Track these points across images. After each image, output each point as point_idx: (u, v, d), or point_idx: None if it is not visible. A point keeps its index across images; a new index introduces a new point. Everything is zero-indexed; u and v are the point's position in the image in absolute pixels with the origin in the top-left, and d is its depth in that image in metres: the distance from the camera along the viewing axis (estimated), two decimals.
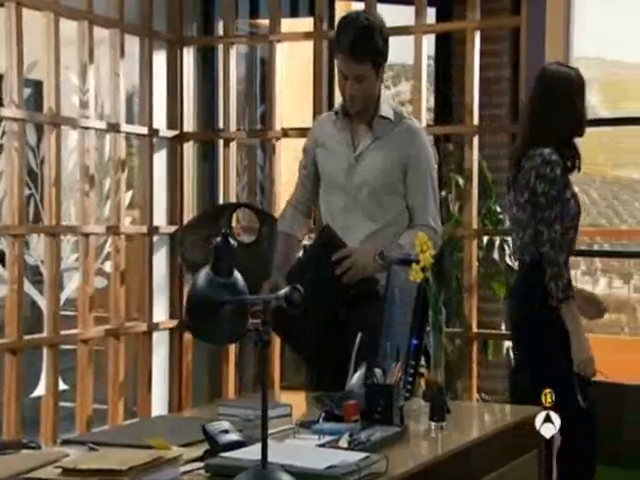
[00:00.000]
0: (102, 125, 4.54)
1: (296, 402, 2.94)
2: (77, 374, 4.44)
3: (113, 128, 4.57)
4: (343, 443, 2.35)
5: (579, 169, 3.51)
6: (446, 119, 5.60)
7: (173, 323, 4.96)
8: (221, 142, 5.05)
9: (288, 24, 6.78)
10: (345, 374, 2.85)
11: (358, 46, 3.19)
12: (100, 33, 4.54)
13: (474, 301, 4.45)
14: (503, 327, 5.51)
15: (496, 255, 5.43)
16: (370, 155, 3.36)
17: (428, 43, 4.67)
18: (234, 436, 2.28)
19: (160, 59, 4.91)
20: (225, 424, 2.30)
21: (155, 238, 4.85)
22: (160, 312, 4.92)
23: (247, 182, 6.16)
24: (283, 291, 2.08)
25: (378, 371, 2.63)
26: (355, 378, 2.99)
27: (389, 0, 4.94)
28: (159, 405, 4.93)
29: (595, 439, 3.38)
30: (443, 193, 5.37)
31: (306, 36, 4.94)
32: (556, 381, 2.87)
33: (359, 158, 3.36)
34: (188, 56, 5.02)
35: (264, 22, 6.49)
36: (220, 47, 5.50)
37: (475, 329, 4.48)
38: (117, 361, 4.62)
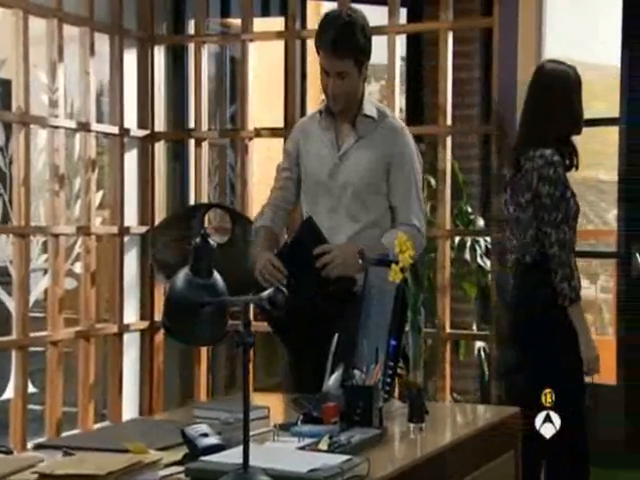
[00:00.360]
0: (72, 124, 4.48)
1: (271, 404, 2.90)
2: (46, 376, 4.38)
3: (83, 127, 4.51)
4: (323, 445, 2.33)
5: (577, 167, 3.51)
6: (417, 120, 5.59)
7: (144, 324, 4.91)
8: (192, 142, 5.03)
9: (259, 23, 6.76)
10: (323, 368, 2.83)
11: (339, 42, 3.18)
12: (69, 31, 4.48)
13: (447, 301, 4.45)
14: (475, 327, 5.52)
15: (467, 255, 5.43)
16: (354, 155, 3.33)
17: (399, 44, 4.66)
18: (213, 439, 2.25)
19: (130, 58, 4.86)
20: (204, 427, 2.27)
21: (126, 239, 4.80)
22: (131, 313, 4.87)
23: (218, 182, 6.12)
24: (266, 292, 2.06)
25: (357, 372, 2.61)
26: (332, 379, 2.98)
27: (362, 0, 4.91)
28: (130, 408, 4.88)
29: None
30: None
31: (278, 35, 4.91)
32: (561, 381, 2.88)
33: (343, 158, 3.33)
34: (159, 55, 4.97)
35: (234, 21, 6.46)
36: (190, 46, 5.48)
37: (448, 329, 4.47)
38: (87, 363, 4.56)
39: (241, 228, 4.31)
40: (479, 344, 5.41)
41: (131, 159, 4.86)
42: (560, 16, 4.75)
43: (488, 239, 5.31)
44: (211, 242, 2.22)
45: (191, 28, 5.59)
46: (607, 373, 4.76)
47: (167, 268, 4.34)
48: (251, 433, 2.37)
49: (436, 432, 2.59)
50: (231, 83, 7.19)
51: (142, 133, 4.89)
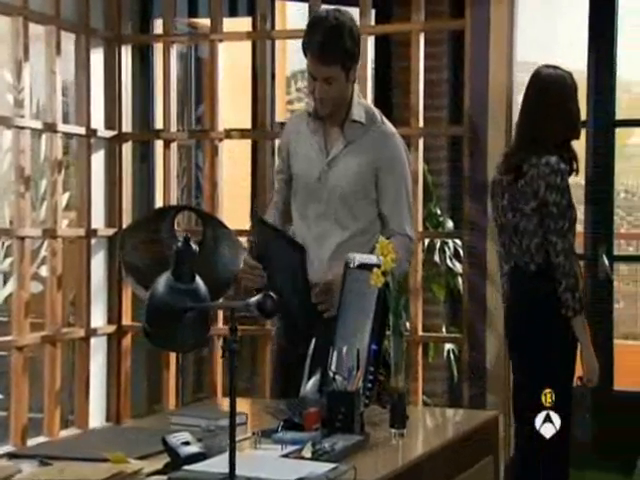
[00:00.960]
0: (38, 125, 4.39)
1: (247, 409, 2.86)
2: (11, 382, 4.28)
3: (49, 128, 4.42)
4: (307, 453, 2.30)
5: (577, 173, 3.51)
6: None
7: (111, 328, 4.83)
8: (159, 143, 4.96)
9: (226, 23, 6.69)
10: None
11: (326, 48, 3.10)
12: (35, 30, 4.39)
13: (419, 304, 4.43)
14: (444, 329, 5.50)
15: (437, 257, 5.42)
16: (343, 160, 3.26)
17: (369, 45, 4.64)
18: (195, 448, 2.20)
19: (95, 58, 4.77)
20: (186, 435, 2.22)
21: (93, 241, 4.72)
22: (98, 317, 4.79)
23: (186, 184, 6.05)
24: (254, 298, 2.01)
25: (339, 378, 2.57)
26: (310, 384, 2.94)
27: (332, 1, 4.87)
28: (96, 413, 4.79)
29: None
30: None
31: (249, 36, 4.86)
32: (553, 389, 2.86)
33: (332, 163, 3.26)
34: (126, 55, 4.89)
35: (200, 21, 6.40)
36: (157, 46, 5.42)
37: (420, 332, 4.45)
38: (53, 368, 4.47)
39: (212, 230, 4.23)
40: (448, 346, 5.40)
41: (98, 160, 4.78)
42: (531, 19, 4.75)
43: (458, 241, 5.33)
44: (193, 246, 2.17)
45: (157, 28, 5.56)
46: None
47: (136, 271, 4.25)
48: (224, 438, 2.33)
49: (418, 438, 2.56)
50: (197, 84, 7.13)
51: (109, 134, 4.80)
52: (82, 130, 4.61)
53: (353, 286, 2.94)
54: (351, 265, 3.03)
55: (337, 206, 3.25)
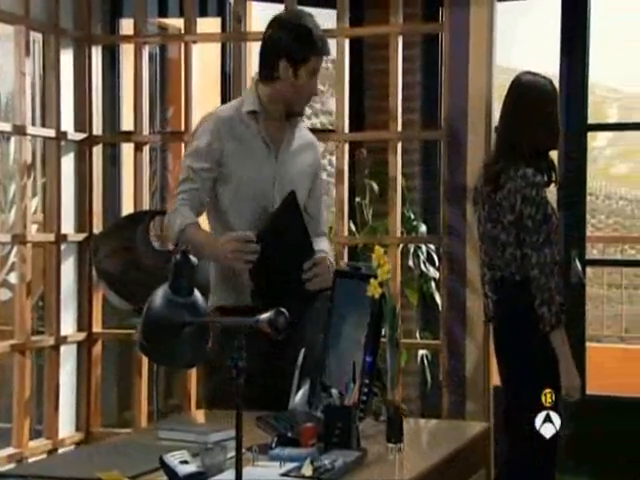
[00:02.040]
0: (7, 127, 4.27)
1: (231, 422, 2.76)
2: None
3: (19, 131, 4.30)
4: (307, 471, 2.23)
5: (555, 183, 3.46)
6: (359, 124, 5.51)
7: (81, 336, 4.71)
8: (126, 146, 4.85)
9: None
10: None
11: (324, 37, 3.15)
12: (2, 30, 4.28)
13: (398, 309, 4.35)
14: (417, 334, 5.46)
15: (411, 262, 5.37)
16: (291, 162, 3.22)
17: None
18: (194, 467, 2.12)
19: (64, 58, 4.65)
20: (184, 453, 2.14)
21: (62, 246, 4.60)
22: (67, 325, 4.67)
23: (155, 188, 5.95)
24: (266, 315, 1.93)
25: (334, 391, 2.50)
26: (299, 396, 2.88)
27: (308, 2, 4.81)
28: (65, 423, 4.67)
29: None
30: (357, 199, 5.29)
31: (223, 37, 4.78)
32: (527, 401, 2.82)
33: (281, 168, 3.19)
34: (96, 55, 4.78)
35: (169, 22, 6.30)
36: (125, 47, 5.32)
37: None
38: (23, 378, 4.35)
39: None
40: (422, 351, 5.35)
41: (67, 163, 4.66)
42: (508, 22, 4.73)
43: (431, 246, 5.29)
44: (192, 259, 2.09)
45: (124, 28, 5.44)
46: None
47: (109, 277, 4.16)
48: (227, 456, 2.26)
49: (416, 452, 2.51)
50: (162, 85, 7.01)
51: (80, 136, 4.69)
52: (52, 133, 4.49)
53: (344, 295, 2.89)
54: (341, 273, 2.98)
55: None
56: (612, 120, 8.70)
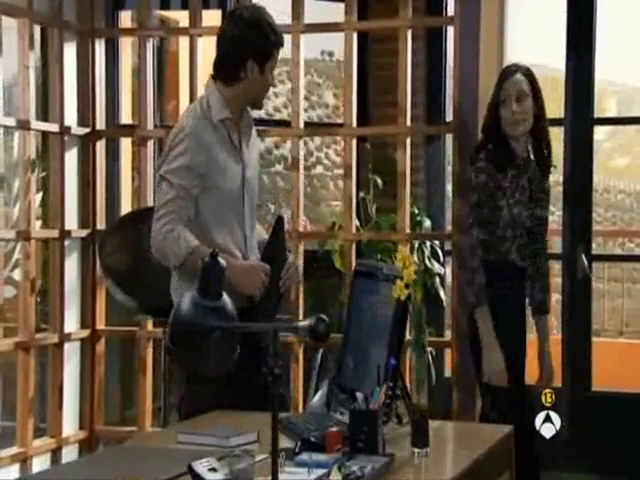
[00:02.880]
0: (11, 122, 4.20)
1: (245, 425, 2.71)
2: None
3: (23, 125, 4.23)
4: (336, 477, 2.18)
5: (503, 170, 3.48)
6: (363, 119, 5.45)
7: (85, 333, 4.65)
8: (125, 140, 4.78)
9: (184, 16, 6.50)
10: None
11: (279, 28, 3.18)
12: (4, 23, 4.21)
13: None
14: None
15: (415, 257, 5.32)
16: (250, 164, 3.19)
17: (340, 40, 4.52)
18: (222, 475, 2.07)
19: (66, 52, 4.58)
20: (212, 461, 2.09)
21: (66, 243, 4.53)
22: (70, 322, 4.60)
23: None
24: (306, 322, 1.88)
25: (360, 395, 2.45)
26: (317, 397, 2.84)
27: None
28: (69, 421, 4.61)
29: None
30: (361, 194, 5.23)
31: None
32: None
33: (246, 169, 3.17)
34: (99, 49, 4.71)
35: (169, 14, 6.21)
36: (122, 39, 5.26)
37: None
38: (27, 376, 4.29)
39: None
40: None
41: (70, 159, 4.59)
42: (518, 17, 4.68)
43: (436, 241, 5.24)
44: (221, 261, 2.03)
45: (122, 21, 5.38)
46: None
47: (116, 274, 4.10)
48: (250, 461, 2.21)
49: (442, 457, 2.46)
50: (159, 77, 6.93)
51: (83, 131, 4.62)
52: (55, 127, 4.42)
53: (363, 295, 2.84)
54: (356, 272, 2.93)
55: (252, 211, 3.21)
56: (611, 113, 8.67)
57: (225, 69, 3.10)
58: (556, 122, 4.94)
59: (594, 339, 5.41)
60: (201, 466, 2.06)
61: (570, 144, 5.09)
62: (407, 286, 2.46)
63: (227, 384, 2.33)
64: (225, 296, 2.05)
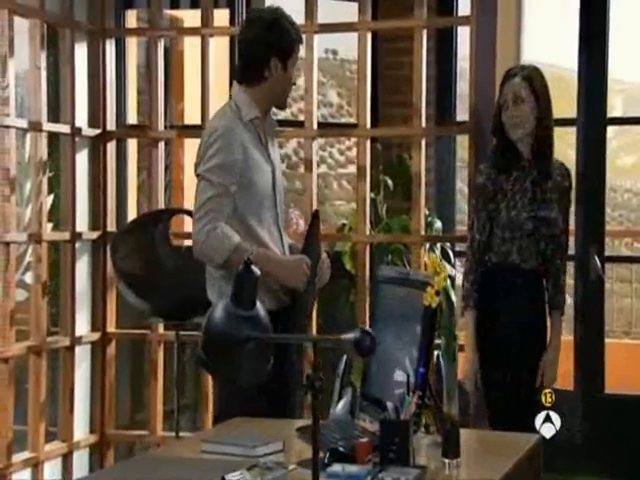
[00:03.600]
0: (23, 123, 4.14)
1: (268, 432, 2.68)
2: None
3: (35, 127, 4.18)
4: None
5: (504, 172, 3.51)
6: (373, 119, 5.41)
7: (96, 336, 4.61)
8: (131, 142, 4.74)
9: (190, 16, 6.45)
10: None
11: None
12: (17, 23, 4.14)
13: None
14: None
15: (425, 258, 5.27)
16: (277, 164, 3.26)
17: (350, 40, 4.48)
18: None
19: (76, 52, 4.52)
20: (245, 474, 2.05)
21: (77, 245, 4.48)
22: (82, 325, 4.56)
23: (168, 184, 5.82)
24: (350, 335, 1.83)
25: (390, 405, 2.41)
26: (340, 405, 2.79)
27: None
28: (79, 425, 4.57)
29: None
30: (372, 195, 5.19)
31: None
32: None
33: (275, 170, 3.22)
34: (110, 49, 4.66)
35: (173, 13, 6.16)
36: (128, 39, 5.21)
37: None
38: (39, 380, 4.24)
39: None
40: (436, 351, 5.25)
41: (81, 160, 4.54)
42: (534, 16, 4.64)
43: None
44: (255, 270, 1.98)
45: (128, 20, 5.32)
46: (565, 378, 4.69)
47: (129, 277, 4.06)
48: (281, 472, 2.17)
49: (474, 468, 2.41)
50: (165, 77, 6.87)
51: (93, 132, 4.57)
52: (67, 129, 4.37)
53: (388, 302, 2.79)
54: (381, 278, 2.89)
55: (282, 212, 3.26)
56: (617, 111, 8.61)
57: (250, 70, 3.16)
58: (568, 122, 4.91)
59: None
60: (234, 479, 2.01)
61: (583, 145, 5.03)
62: (437, 293, 2.41)
63: (260, 393, 2.30)
64: (259, 305, 2.01)
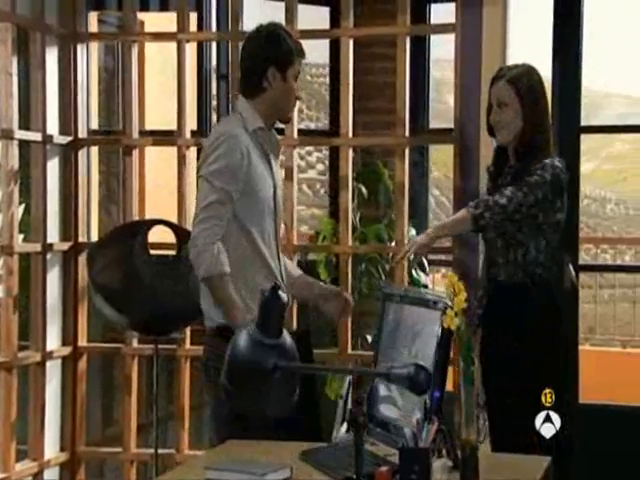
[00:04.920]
0: None
1: (272, 457, 2.57)
2: None
3: (6, 135, 4.01)
4: None
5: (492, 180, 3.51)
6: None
7: (67, 350, 4.45)
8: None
9: (153, 18, 6.31)
10: None
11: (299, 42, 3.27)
12: None
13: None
14: None
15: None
16: (278, 180, 3.25)
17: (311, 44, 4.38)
18: None
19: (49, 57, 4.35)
20: None
21: (48, 256, 4.32)
22: (52, 339, 4.39)
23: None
24: (404, 369, 1.73)
25: (408, 431, 2.32)
26: (344, 428, 2.71)
27: (307, 1, 4.61)
28: (50, 442, 4.40)
29: None
30: None
31: (219, 36, 4.57)
32: None
33: (276, 184, 3.21)
34: (82, 54, 4.50)
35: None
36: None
37: None
38: (10, 397, 4.08)
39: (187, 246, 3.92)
40: None
41: (51, 168, 4.37)
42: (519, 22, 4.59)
43: None
44: (282, 296, 1.88)
45: (89, 23, 5.17)
46: None
47: (107, 291, 3.91)
48: None
49: None
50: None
51: (65, 140, 4.41)
52: (38, 136, 4.21)
53: (394, 322, 2.70)
54: (389, 296, 2.80)
55: (280, 223, 3.25)
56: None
57: (249, 82, 3.18)
58: None
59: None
60: None
61: (557, 153, 5.01)
62: (456, 314, 2.33)
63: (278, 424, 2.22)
64: (285, 333, 1.90)
